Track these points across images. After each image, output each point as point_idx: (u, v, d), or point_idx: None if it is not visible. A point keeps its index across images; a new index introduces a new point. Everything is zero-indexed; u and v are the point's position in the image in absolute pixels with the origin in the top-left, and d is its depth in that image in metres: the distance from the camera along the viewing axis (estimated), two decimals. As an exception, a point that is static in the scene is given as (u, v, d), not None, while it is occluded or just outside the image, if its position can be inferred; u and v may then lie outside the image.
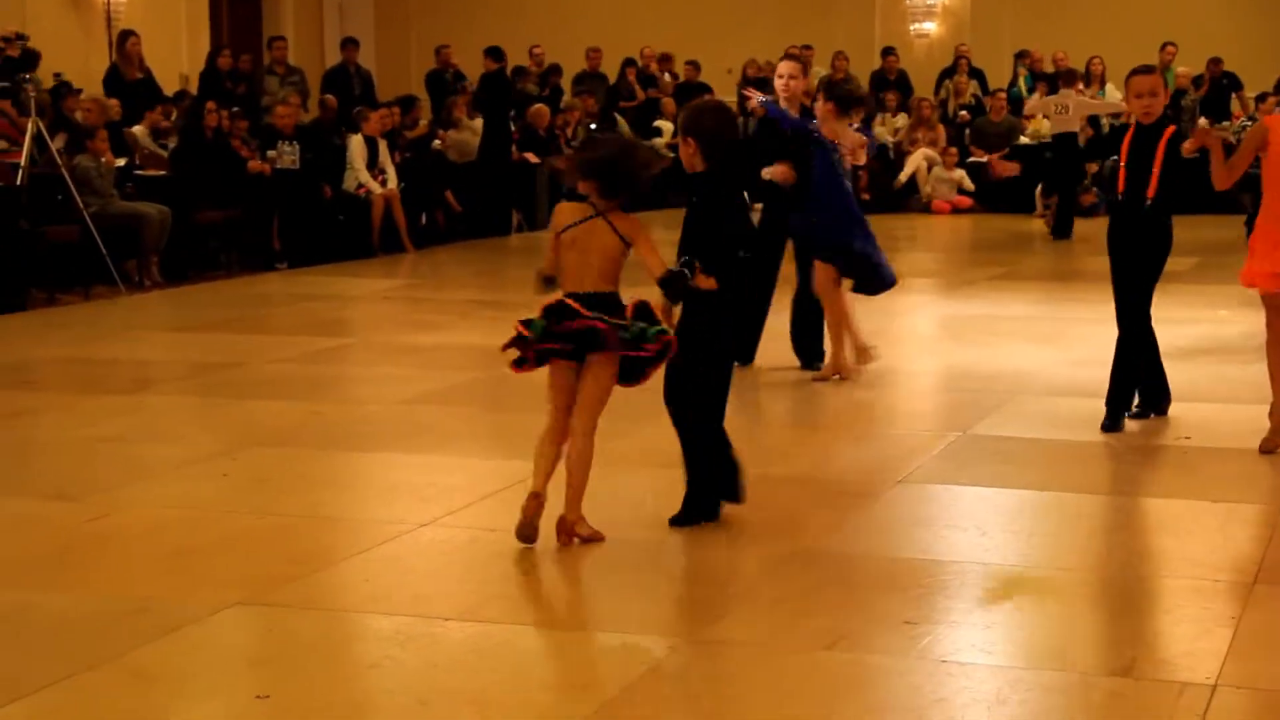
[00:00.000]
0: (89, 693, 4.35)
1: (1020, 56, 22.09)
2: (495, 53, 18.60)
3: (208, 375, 9.36)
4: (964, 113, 21.54)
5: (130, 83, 15.50)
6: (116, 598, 5.13)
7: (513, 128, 18.57)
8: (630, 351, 5.56)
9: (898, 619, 4.90)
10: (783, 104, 8.94)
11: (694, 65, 22.02)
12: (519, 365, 5.70)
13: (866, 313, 9.29)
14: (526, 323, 5.56)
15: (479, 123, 18.23)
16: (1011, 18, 22.99)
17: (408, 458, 7.19)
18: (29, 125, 12.78)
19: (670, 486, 6.06)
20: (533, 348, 5.59)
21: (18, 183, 12.52)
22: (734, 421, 6.09)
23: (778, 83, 9.06)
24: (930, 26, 23.59)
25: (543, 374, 5.73)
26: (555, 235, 5.65)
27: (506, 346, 5.65)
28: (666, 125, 20.70)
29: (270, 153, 15.27)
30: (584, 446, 5.62)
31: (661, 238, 5.81)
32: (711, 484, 5.95)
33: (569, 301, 5.53)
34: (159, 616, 4.91)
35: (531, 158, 18.30)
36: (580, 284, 5.56)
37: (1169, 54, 20.64)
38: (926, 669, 4.52)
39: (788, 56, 9.50)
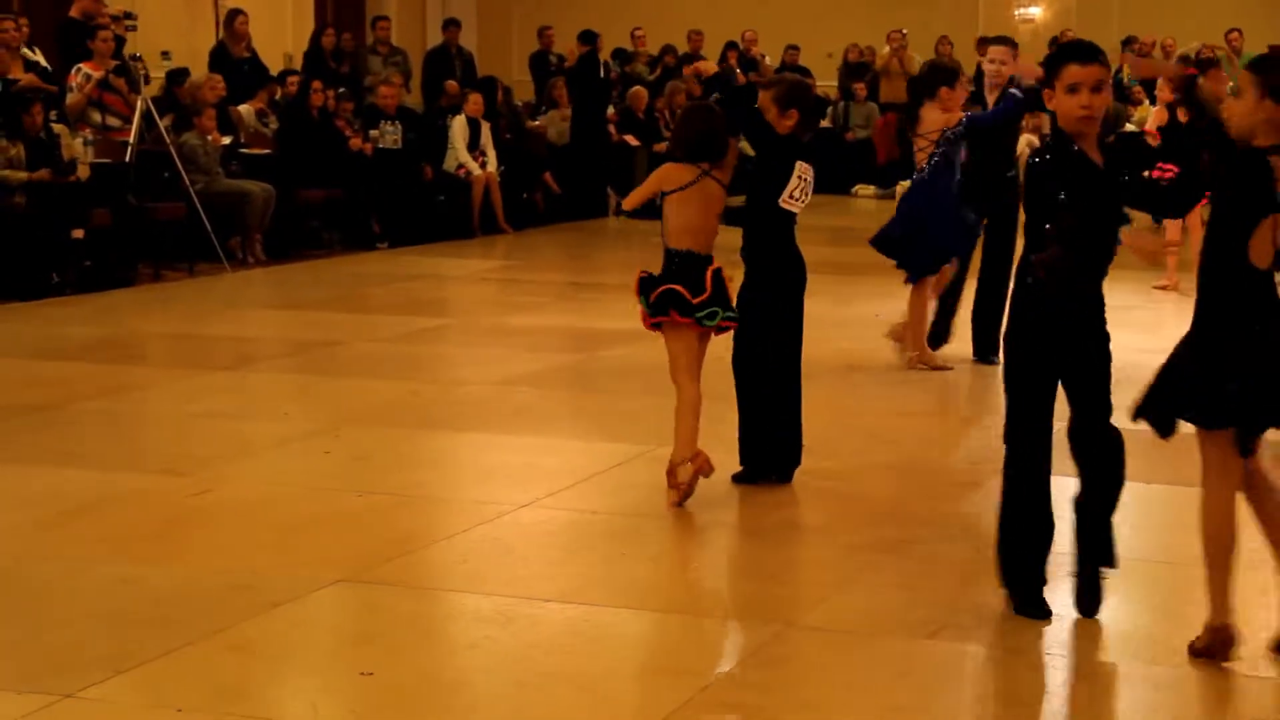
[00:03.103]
0: (192, 667, 4.39)
1: (1126, 44, 21.73)
2: (586, 36, 18.80)
3: (309, 353, 9.44)
4: (1068, 99, 21.23)
5: (236, 61, 15.61)
6: (220, 572, 5.18)
7: (611, 110, 18.57)
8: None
9: (1001, 609, 4.84)
10: (989, 90, 8.73)
11: (794, 49, 21.88)
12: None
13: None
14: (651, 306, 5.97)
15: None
16: (1120, 3, 22.61)
17: (506, 438, 7.20)
18: (138, 103, 12.93)
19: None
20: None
21: (127, 159, 12.70)
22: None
23: (988, 67, 8.76)
24: (1035, 12, 23.26)
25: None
26: (658, 193, 5.96)
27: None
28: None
29: (373, 132, 15.36)
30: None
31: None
32: (781, 447, 6.24)
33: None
34: (261, 592, 4.96)
35: (631, 140, 18.31)
36: (680, 240, 5.95)
37: (1291, 41, 20.16)
38: (1030, 661, 4.46)
39: (998, 40, 8.93)
